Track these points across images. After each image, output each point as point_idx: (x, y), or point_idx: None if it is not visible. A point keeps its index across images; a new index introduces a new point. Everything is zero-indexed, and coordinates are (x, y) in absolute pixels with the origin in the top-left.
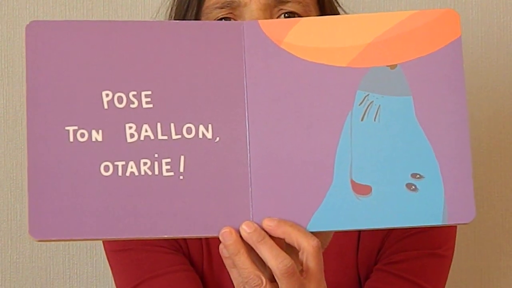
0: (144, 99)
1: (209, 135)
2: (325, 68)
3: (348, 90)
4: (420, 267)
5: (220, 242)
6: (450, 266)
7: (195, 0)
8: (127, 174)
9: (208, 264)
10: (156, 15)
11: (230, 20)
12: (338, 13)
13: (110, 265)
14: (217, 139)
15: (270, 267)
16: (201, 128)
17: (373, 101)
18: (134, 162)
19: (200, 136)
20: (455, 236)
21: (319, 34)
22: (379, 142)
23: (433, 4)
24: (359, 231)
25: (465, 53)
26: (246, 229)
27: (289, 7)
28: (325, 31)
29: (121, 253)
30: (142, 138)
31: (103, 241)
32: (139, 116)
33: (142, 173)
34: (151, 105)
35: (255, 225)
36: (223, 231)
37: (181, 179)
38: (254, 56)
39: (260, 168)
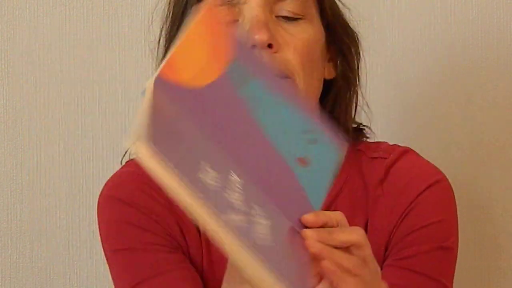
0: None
1: None
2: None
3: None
4: (432, 260)
5: None
6: (456, 258)
7: None
8: None
9: (208, 262)
10: (154, 10)
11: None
12: (337, 7)
13: (109, 265)
14: None
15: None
16: None
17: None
18: None
19: None
20: (458, 228)
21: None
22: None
23: (432, 4)
24: (365, 230)
25: (465, 53)
26: (312, 235)
27: (288, 4)
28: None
29: (120, 252)
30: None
31: (102, 241)
32: None
33: None
34: None
35: (316, 230)
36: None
37: None
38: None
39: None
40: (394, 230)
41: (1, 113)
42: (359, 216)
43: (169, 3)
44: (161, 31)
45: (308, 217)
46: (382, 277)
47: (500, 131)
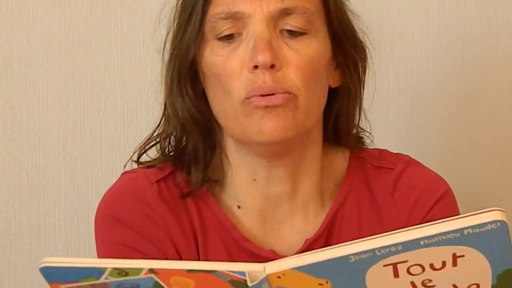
0: None
1: None
2: None
3: None
4: None
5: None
6: None
7: (199, 7)
8: None
9: None
10: (158, 19)
11: (233, 36)
12: (345, 18)
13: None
14: None
15: None
16: None
17: None
18: None
19: None
20: None
21: None
22: None
23: (430, 3)
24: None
25: (464, 53)
26: None
27: (293, 18)
28: None
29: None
30: None
31: (98, 258)
32: None
33: None
34: None
35: None
36: None
37: None
38: None
39: None
40: None
41: (0, 114)
42: (366, 224)
43: (176, 8)
44: (167, 34)
45: None
46: None
47: (499, 132)
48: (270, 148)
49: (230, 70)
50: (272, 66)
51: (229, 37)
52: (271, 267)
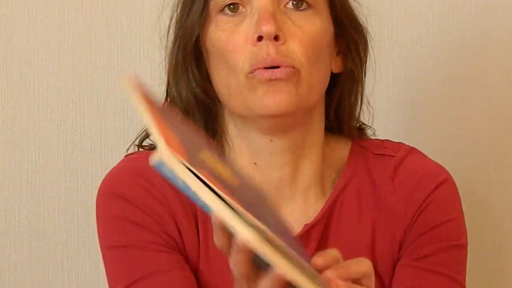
0: None
1: None
2: None
3: None
4: (447, 259)
5: None
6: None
7: None
8: None
9: (204, 263)
10: (162, 6)
11: (237, 5)
12: (347, 1)
13: (104, 261)
14: None
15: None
16: None
17: None
18: None
19: None
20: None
21: None
22: None
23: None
24: (373, 225)
25: (463, 53)
26: (334, 275)
27: None
28: None
29: (116, 249)
30: None
31: (99, 237)
32: None
33: None
34: None
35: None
36: None
37: None
38: None
39: None
40: (409, 229)
41: None
42: (365, 211)
43: None
44: (170, 19)
45: (317, 261)
46: (399, 278)
47: (500, 132)
48: (273, 122)
49: (234, 45)
50: (276, 38)
51: (232, 10)
52: (167, 157)
